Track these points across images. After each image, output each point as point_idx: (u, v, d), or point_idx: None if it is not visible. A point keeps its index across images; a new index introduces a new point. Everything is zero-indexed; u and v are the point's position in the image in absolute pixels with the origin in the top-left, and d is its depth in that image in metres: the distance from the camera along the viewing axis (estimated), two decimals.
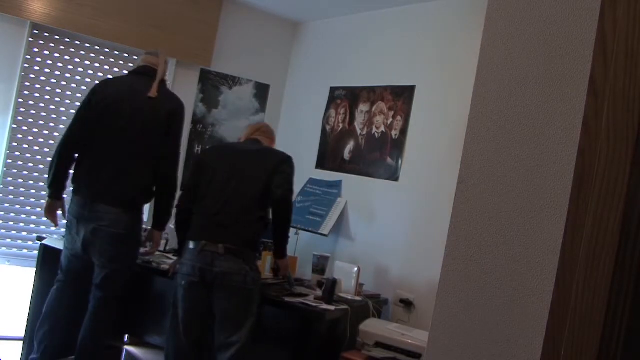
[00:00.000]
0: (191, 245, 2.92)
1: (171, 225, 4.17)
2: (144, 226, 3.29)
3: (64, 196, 3.15)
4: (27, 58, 3.89)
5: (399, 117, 3.90)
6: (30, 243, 3.99)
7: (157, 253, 3.55)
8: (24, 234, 4.02)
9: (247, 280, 2.83)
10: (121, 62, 4.27)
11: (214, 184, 2.96)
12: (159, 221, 3.23)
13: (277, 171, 2.96)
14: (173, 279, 3.07)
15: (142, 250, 3.31)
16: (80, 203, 3.02)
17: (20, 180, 3.97)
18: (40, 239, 3.61)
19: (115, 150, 3.02)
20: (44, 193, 4.04)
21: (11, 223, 3.97)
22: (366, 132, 4.13)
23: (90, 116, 3.07)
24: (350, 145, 4.23)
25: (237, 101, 4.72)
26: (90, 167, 3.04)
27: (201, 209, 2.97)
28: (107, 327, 3.12)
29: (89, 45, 4.14)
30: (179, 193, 3.20)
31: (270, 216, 2.99)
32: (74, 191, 3.08)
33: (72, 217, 3.06)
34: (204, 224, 2.93)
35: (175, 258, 3.49)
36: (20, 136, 3.94)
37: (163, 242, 3.85)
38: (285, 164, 3.00)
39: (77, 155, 3.09)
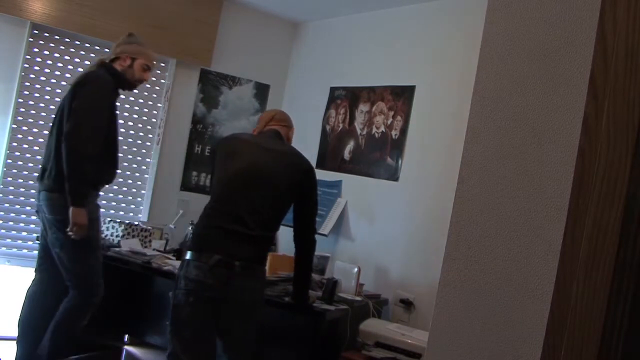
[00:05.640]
0: (200, 257, 2.51)
1: (171, 225, 4.19)
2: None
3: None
4: (27, 58, 3.89)
5: (399, 117, 3.90)
6: (30, 243, 3.99)
7: (158, 254, 3.54)
8: (24, 234, 4.02)
9: (258, 301, 2.64)
10: None
11: (229, 183, 2.64)
12: (69, 193, 2.87)
13: (304, 193, 2.71)
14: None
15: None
16: (36, 195, 3.11)
17: (20, 180, 3.97)
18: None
19: (51, 140, 3.03)
20: None
21: (11, 223, 3.97)
22: (366, 132, 4.12)
23: None
24: (350, 145, 4.23)
25: (237, 101, 4.72)
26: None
27: (213, 211, 2.62)
28: (71, 321, 3.00)
29: (89, 45, 4.14)
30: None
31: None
32: None
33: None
34: (218, 234, 2.57)
35: (173, 258, 3.49)
36: (20, 136, 3.94)
37: (162, 242, 3.85)
38: (310, 178, 2.74)
39: None
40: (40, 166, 3.15)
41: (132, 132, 4.35)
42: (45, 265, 3.11)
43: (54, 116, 3.13)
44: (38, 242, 3.58)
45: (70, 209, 2.85)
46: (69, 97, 2.98)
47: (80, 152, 2.85)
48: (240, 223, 2.55)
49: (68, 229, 2.87)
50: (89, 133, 2.88)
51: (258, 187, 2.62)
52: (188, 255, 2.56)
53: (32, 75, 3.95)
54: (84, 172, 2.89)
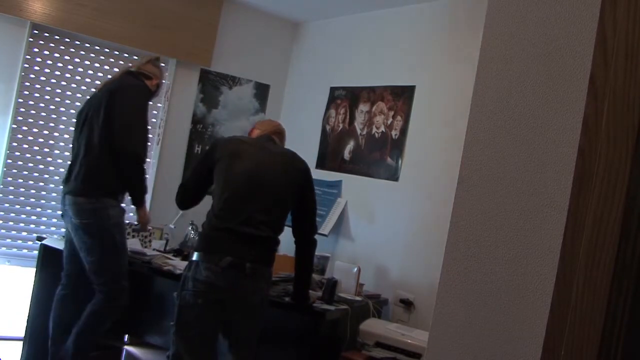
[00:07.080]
0: (210, 259, 2.52)
1: (171, 225, 4.19)
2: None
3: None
4: (27, 58, 3.89)
5: (399, 117, 3.90)
6: (30, 243, 3.99)
7: (158, 254, 3.55)
8: (24, 234, 4.02)
9: (264, 301, 2.67)
10: (121, 62, 4.27)
11: (236, 184, 2.63)
12: (131, 197, 3.10)
13: (304, 194, 2.75)
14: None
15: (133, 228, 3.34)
16: (61, 199, 3.13)
17: (20, 180, 3.97)
18: (40, 239, 3.61)
19: (80, 144, 3.07)
20: (44, 193, 4.05)
21: (11, 223, 3.97)
22: (366, 132, 4.13)
23: None
24: (350, 145, 4.23)
25: (237, 101, 4.72)
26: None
27: (221, 212, 2.60)
28: (96, 324, 3.01)
29: (89, 45, 4.14)
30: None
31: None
32: None
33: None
34: (228, 236, 2.56)
35: (175, 259, 3.49)
36: (20, 136, 3.94)
37: (162, 242, 3.85)
38: (309, 180, 2.79)
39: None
40: (64, 170, 3.22)
41: None
42: (72, 269, 3.13)
43: (75, 120, 3.20)
44: (38, 242, 3.59)
45: (137, 210, 3.10)
46: (104, 103, 2.98)
47: (135, 154, 2.97)
48: (249, 224, 2.57)
49: (138, 229, 3.16)
50: (138, 135, 3.00)
51: (264, 188, 2.64)
52: (195, 257, 2.56)
53: (32, 75, 3.95)
54: (142, 171, 3.04)
